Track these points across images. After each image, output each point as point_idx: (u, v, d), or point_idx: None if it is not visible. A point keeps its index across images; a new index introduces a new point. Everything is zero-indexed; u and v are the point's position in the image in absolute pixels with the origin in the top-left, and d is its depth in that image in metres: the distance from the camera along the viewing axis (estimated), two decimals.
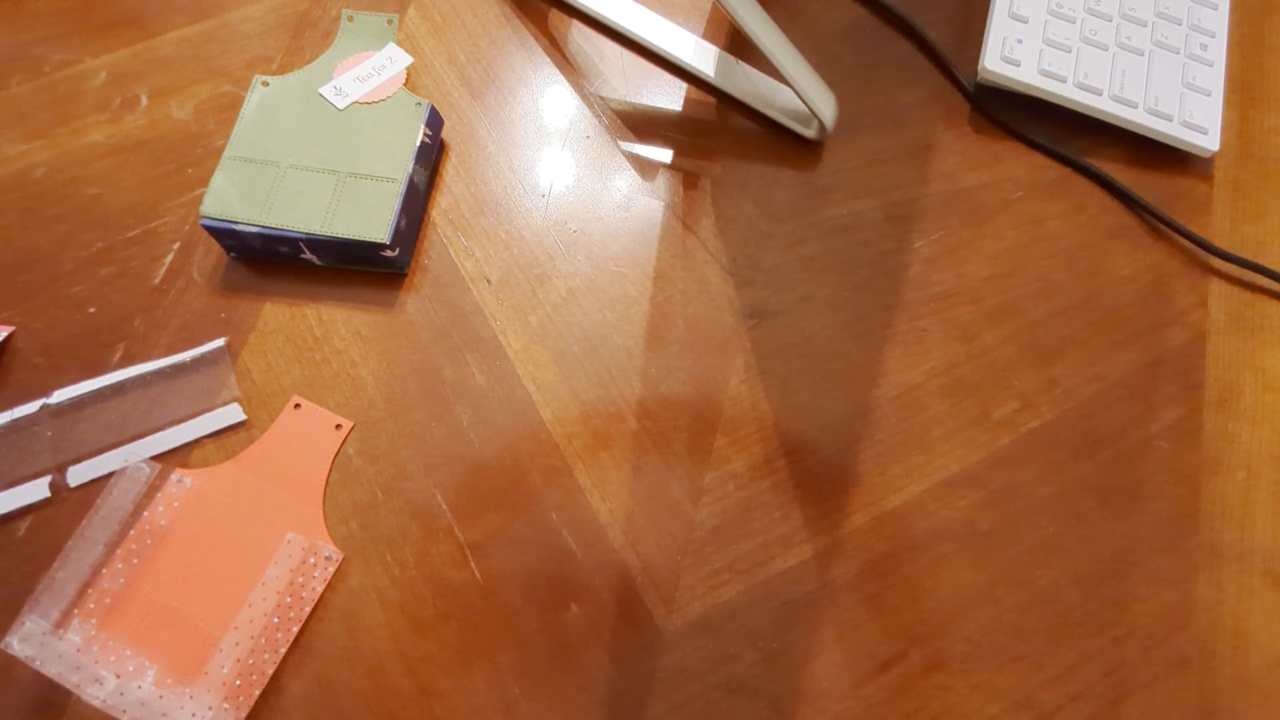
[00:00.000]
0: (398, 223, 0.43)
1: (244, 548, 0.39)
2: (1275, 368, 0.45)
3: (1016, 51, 0.50)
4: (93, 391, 0.42)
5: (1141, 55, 0.51)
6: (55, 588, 0.37)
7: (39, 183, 0.47)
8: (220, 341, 0.43)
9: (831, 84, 0.52)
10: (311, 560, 0.39)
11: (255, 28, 0.52)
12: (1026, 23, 0.51)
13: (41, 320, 0.43)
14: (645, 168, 0.49)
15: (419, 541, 0.40)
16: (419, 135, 0.45)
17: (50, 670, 0.36)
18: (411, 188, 0.44)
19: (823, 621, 0.39)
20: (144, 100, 0.49)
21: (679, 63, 0.51)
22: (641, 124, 0.50)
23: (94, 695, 0.35)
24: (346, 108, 0.46)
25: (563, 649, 0.38)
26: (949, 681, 0.38)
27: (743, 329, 0.45)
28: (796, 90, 0.46)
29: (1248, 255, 0.48)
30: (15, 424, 0.41)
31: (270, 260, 0.45)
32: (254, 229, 0.42)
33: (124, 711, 0.35)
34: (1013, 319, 0.46)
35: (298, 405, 0.42)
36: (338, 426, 0.41)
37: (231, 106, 0.49)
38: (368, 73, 0.47)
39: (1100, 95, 0.49)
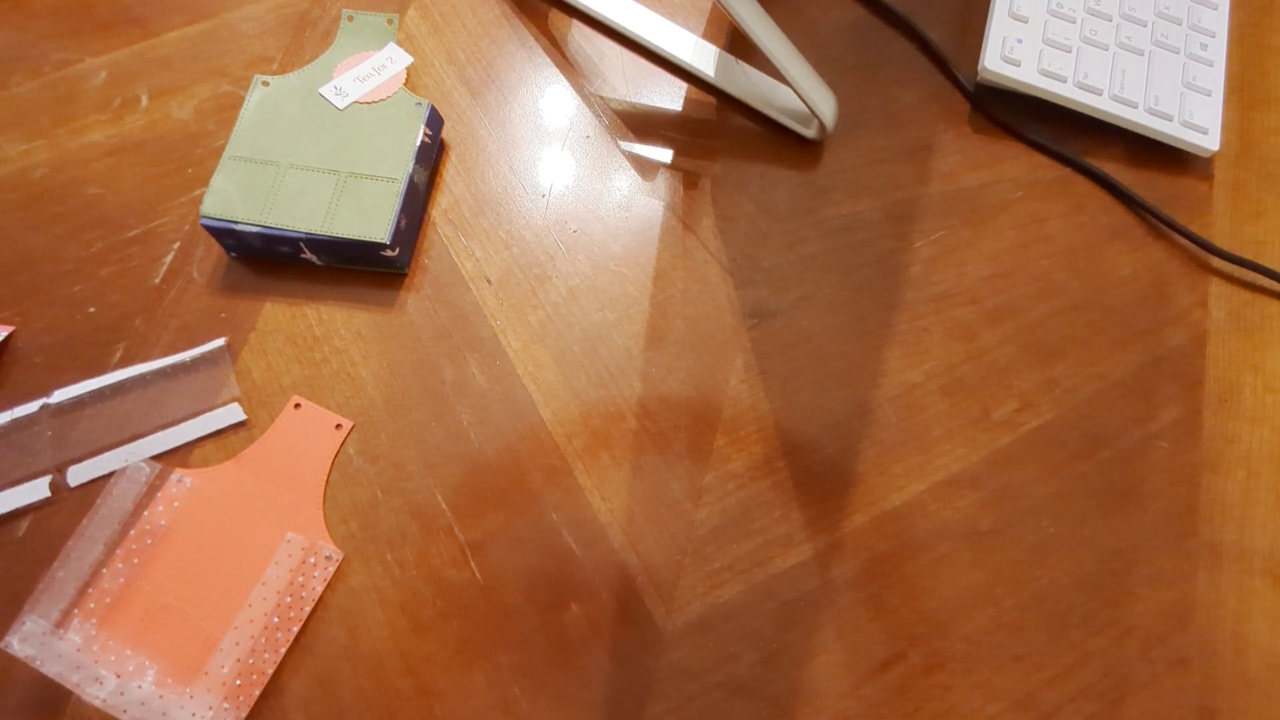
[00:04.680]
0: (398, 222, 0.43)
1: (244, 548, 0.39)
2: (1275, 368, 0.45)
3: (1016, 51, 0.50)
4: (93, 391, 0.42)
5: (1141, 55, 0.51)
6: (55, 587, 0.37)
7: (39, 183, 0.47)
8: (220, 341, 0.43)
9: (831, 84, 0.52)
10: (311, 560, 0.39)
11: (255, 28, 0.52)
12: (1026, 23, 0.51)
13: (41, 320, 0.43)
14: (645, 168, 0.49)
15: (419, 541, 0.40)
16: (419, 135, 0.45)
17: (50, 670, 0.36)
18: (411, 188, 0.44)
19: (823, 621, 0.39)
20: (144, 100, 0.49)
21: (679, 63, 0.51)
22: (641, 124, 0.50)
23: (94, 695, 0.35)
24: (346, 107, 0.46)
25: (563, 649, 0.38)
26: (949, 681, 0.38)
27: (743, 329, 0.45)
28: (796, 90, 0.46)
29: (1248, 255, 0.48)
30: (15, 424, 0.41)
31: (270, 260, 0.45)
32: (254, 229, 0.42)
33: (124, 711, 0.35)
34: (1013, 319, 0.46)
35: (298, 405, 0.42)
36: (338, 426, 0.41)
37: (231, 106, 0.49)
38: (368, 72, 0.47)
39: (1100, 95, 0.49)
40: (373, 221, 0.43)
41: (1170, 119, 0.49)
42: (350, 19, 0.49)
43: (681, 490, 0.41)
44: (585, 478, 0.41)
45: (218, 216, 0.43)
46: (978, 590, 0.40)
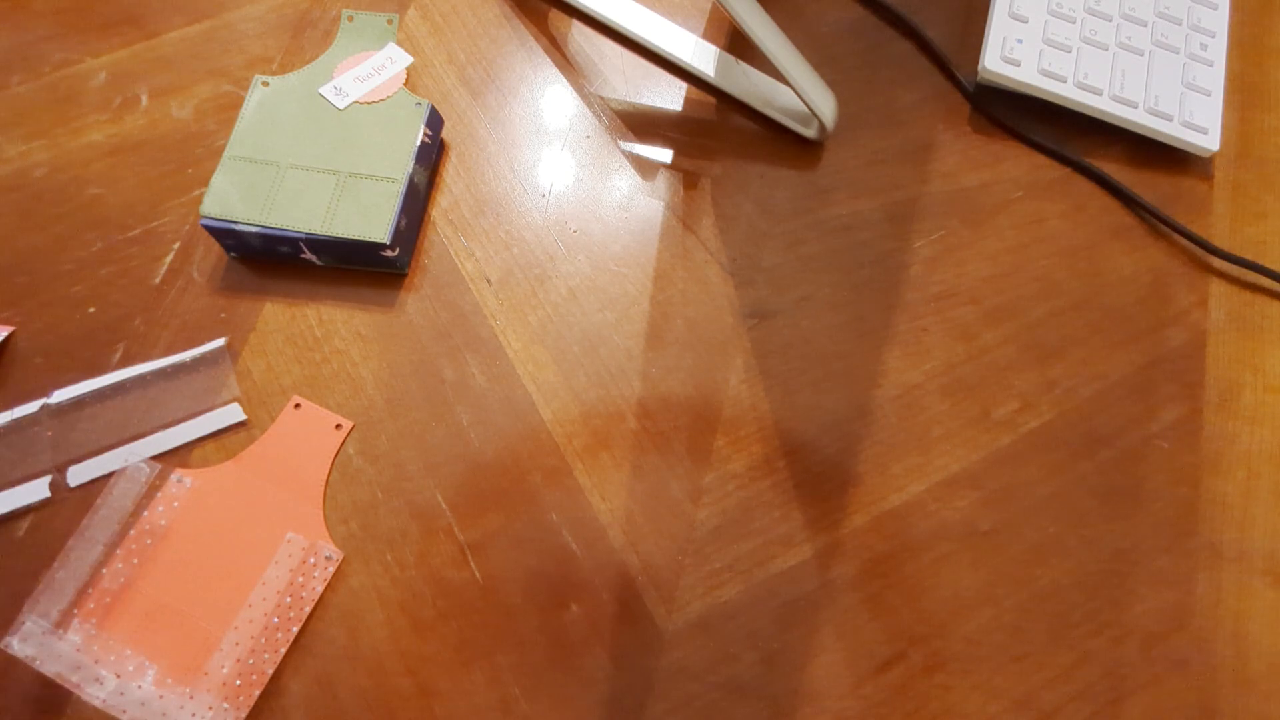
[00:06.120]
0: (398, 223, 0.43)
1: (244, 548, 0.39)
2: (1275, 368, 0.45)
3: (1016, 51, 0.50)
4: (93, 391, 0.42)
5: (1141, 55, 0.51)
6: (55, 588, 0.37)
7: (39, 183, 0.47)
8: (220, 341, 0.43)
9: (831, 84, 0.52)
10: (311, 560, 0.39)
11: (255, 28, 0.52)
12: (1026, 23, 0.51)
13: (41, 320, 0.43)
14: (645, 168, 0.49)
15: (419, 541, 0.40)
16: (419, 135, 0.45)
17: (50, 670, 0.36)
18: (411, 188, 0.44)
19: (823, 621, 0.39)
20: (144, 100, 0.49)
21: (679, 63, 0.51)
22: (641, 124, 0.50)
23: (94, 695, 0.35)
24: (346, 108, 0.46)
25: (563, 649, 0.38)
26: (949, 681, 0.38)
27: (743, 329, 0.45)
28: (796, 90, 0.46)
29: (1248, 255, 0.48)
30: (15, 424, 0.41)
31: (270, 260, 0.45)
32: (254, 229, 0.42)
33: (124, 711, 0.35)
34: (1013, 319, 0.46)
35: (298, 405, 0.42)
36: (338, 426, 0.41)
37: (231, 106, 0.49)
38: (368, 72, 0.47)
39: (1100, 95, 0.49)
40: (373, 221, 0.43)
41: (1170, 119, 0.49)
42: (350, 19, 0.49)
43: (681, 490, 0.41)
44: (585, 478, 0.41)
45: (218, 216, 0.43)
46: (978, 590, 0.40)
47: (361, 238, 0.42)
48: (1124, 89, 0.50)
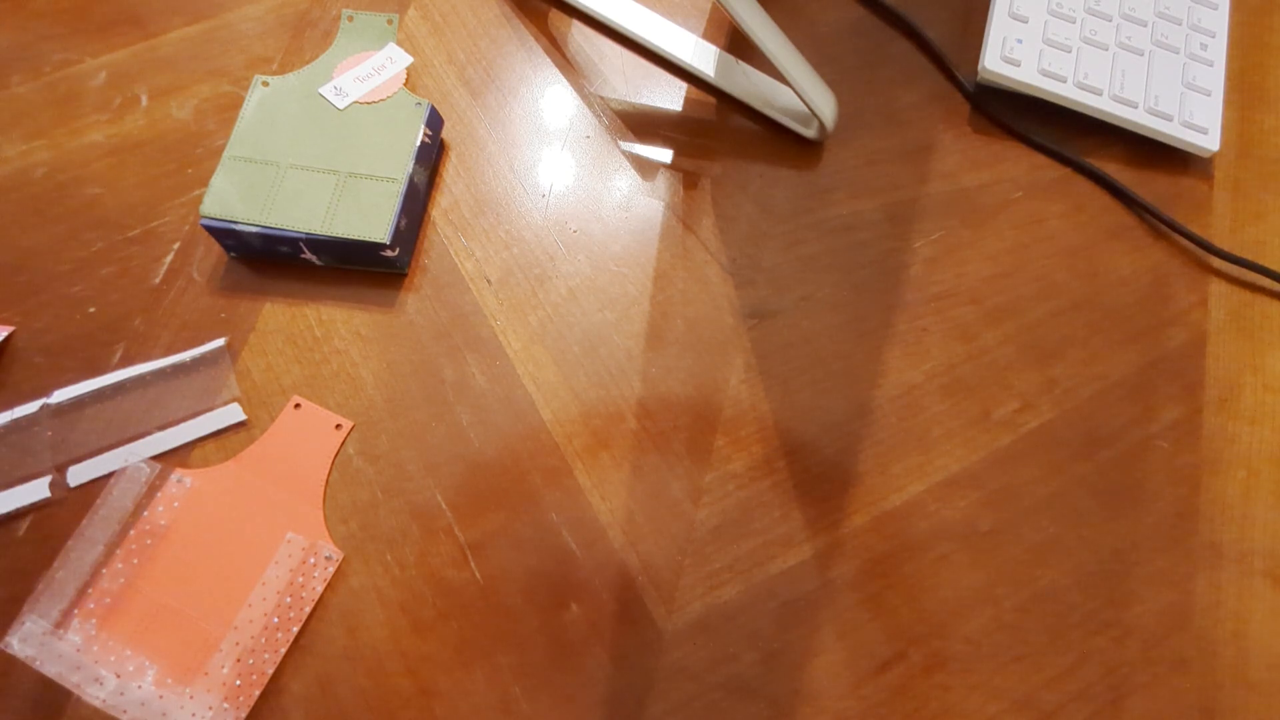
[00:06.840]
0: (398, 223, 0.43)
1: (244, 548, 0.39)
2: (1275, 368, 0.45)
3: (1016, 51, 0.50)
4: (93, 391, 0.42)
5: (1141, 55, 0.51)
6: (55, 588, 0.37)
7: (39, 183, 0.47)
8: (220, 341, 0.43)
9: (831, 84, 0.52)
10: (311, 560, 0.39)
11: (255, 28, 0.52)
12: (1026, 23, 0.51)
13: (41, 320, 0.43)
14: (645, 168, 0.49)
15: (419, 541, 0.40)
16: (419, 135, 0.45)
17: (50, 670, 0.36)
18: (411, 188, 0.44)
19: (823, 621, 0.39)
20: (144, 100, 0.49)
21: (679, 63, 0.51)
22: (641, 124, 0.50)
23: (94, 695, 0.35)
24: (346, 108, 0.46)
25: (563, 649, 0.38)
26: (949, 681, 0.38)
27: (743, 329, 0.45)
28: (796, 90, 0.46)
29: (1248, 255, 0.48)
30: (15, 424, 0.41)
31: (270, 260, 0.45)
32: (254, 229, 0.42)
33: (124, 711, 0.35)
34: (1013, 319, 0.46)
35: (298, 405, 0.42)
36: (338, 426, 0.41)
37: (231, 106, 0.49)
38: (368, 73, 0.47)
39: (1100, 95, 0.49)
40: (373, 221, 0.43)
41: (1170, 119, 0.49)
42: (350, 19, 0.49)
43: (681, 490, 0.41)
44: (585, 478, 0.41)
45: (218, 216, 0.43)
46: (978, 590, 0.40)
47: (361, 238, 0.42)
48: (1124, 89, 0.50)
